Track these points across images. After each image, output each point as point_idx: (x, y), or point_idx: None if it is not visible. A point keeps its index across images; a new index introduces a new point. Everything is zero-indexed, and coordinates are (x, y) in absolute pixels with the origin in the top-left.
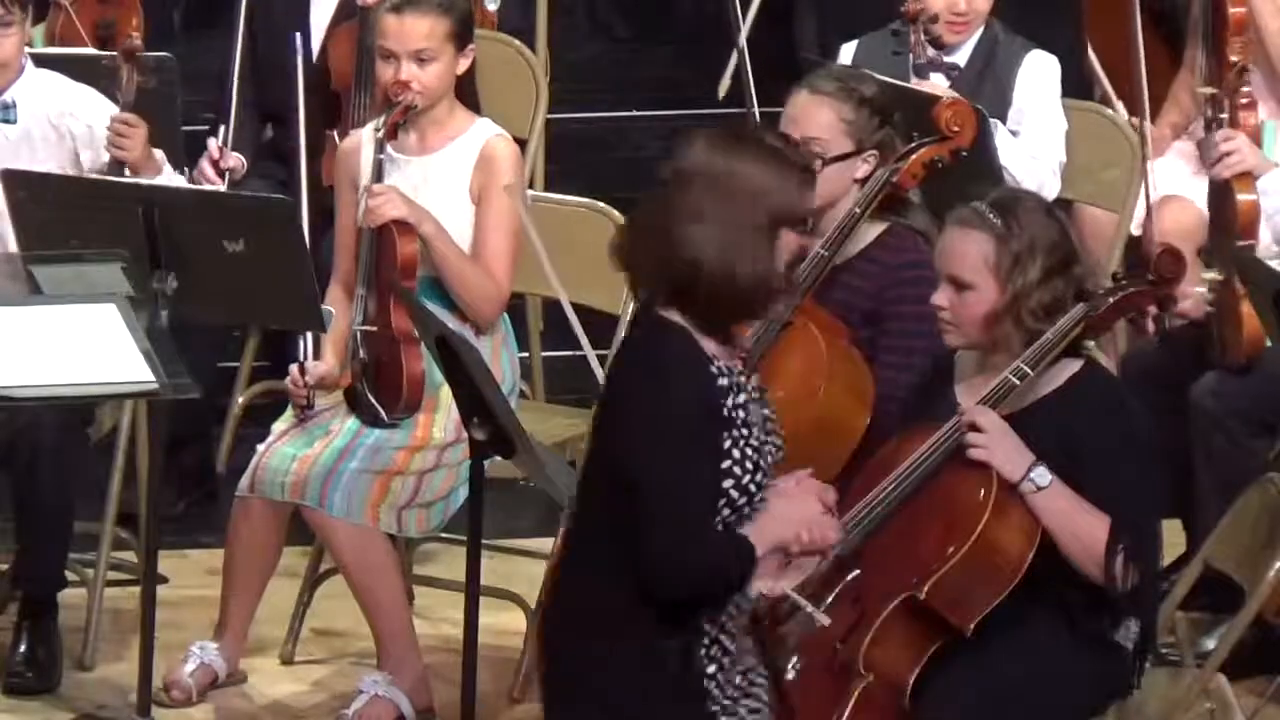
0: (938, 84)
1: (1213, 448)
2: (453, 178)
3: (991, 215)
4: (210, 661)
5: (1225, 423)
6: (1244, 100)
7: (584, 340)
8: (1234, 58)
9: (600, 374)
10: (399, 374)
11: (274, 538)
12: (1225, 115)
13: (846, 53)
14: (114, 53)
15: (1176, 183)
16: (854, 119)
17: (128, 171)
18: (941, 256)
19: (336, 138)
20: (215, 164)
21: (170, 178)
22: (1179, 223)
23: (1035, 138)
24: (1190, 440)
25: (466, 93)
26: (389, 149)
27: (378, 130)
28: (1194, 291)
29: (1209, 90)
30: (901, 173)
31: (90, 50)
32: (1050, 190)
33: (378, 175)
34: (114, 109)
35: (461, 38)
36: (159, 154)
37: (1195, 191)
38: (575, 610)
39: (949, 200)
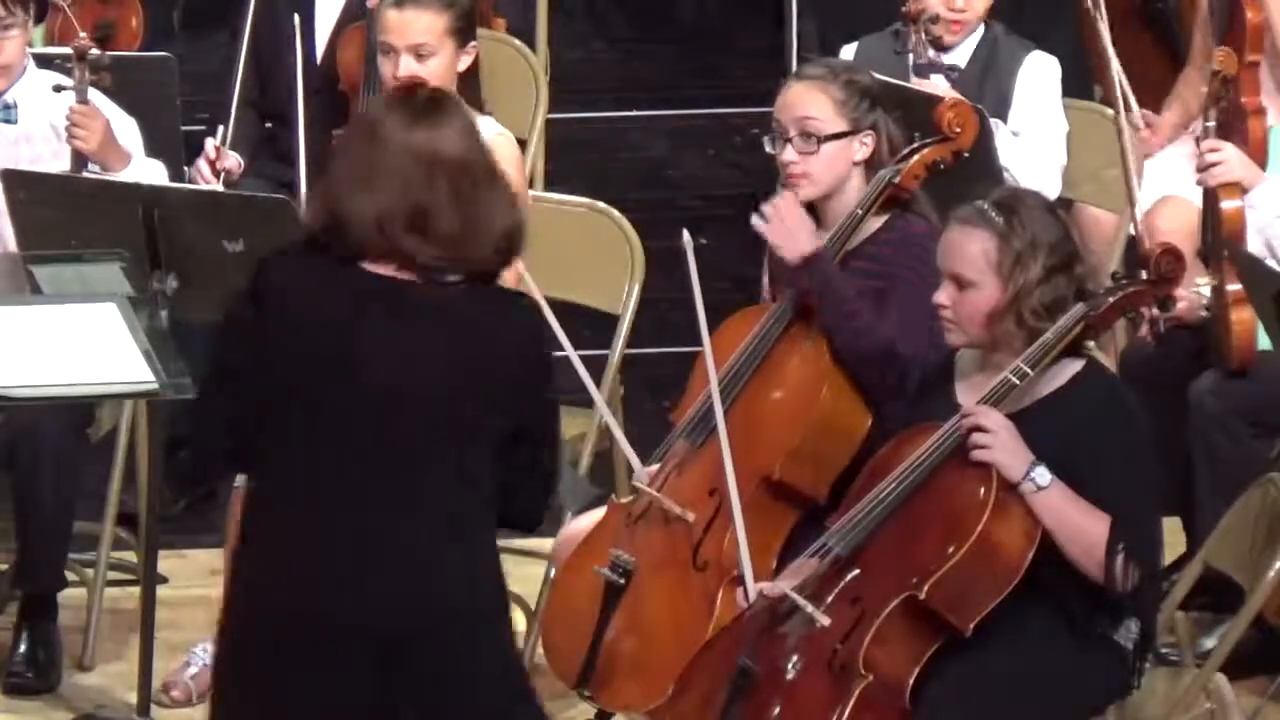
0: (938, 85)
1: (1213, 447)
2: None
3: (993, 214)
4: (207, 663)
5: (1226, 422)
6: (1253, 109)
7: (564, 340)
8: (1216, 67)
9: (585, 374)
10: None
11: None
12: (1212, 124)
13: (846, 54)
14: (68, 50)
15: (1177, 182)
16: (844, 98)
17: (94, 167)
18: (943, 254)
19: None
20: (212, 164)
21: (147, 170)
22: (1178, 223)
23: (1036, 139)
24: (1190, 440)
25: (470, 91)
26: None
27: None
28: (1189, 294)
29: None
30: (903, 174)
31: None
32: (1051, 191)
33: None
34: (115, 107)
35: (462, 34)
36: (130, 148)
37: (1196, 192)
38: (462, 577)
39: (951, 200)
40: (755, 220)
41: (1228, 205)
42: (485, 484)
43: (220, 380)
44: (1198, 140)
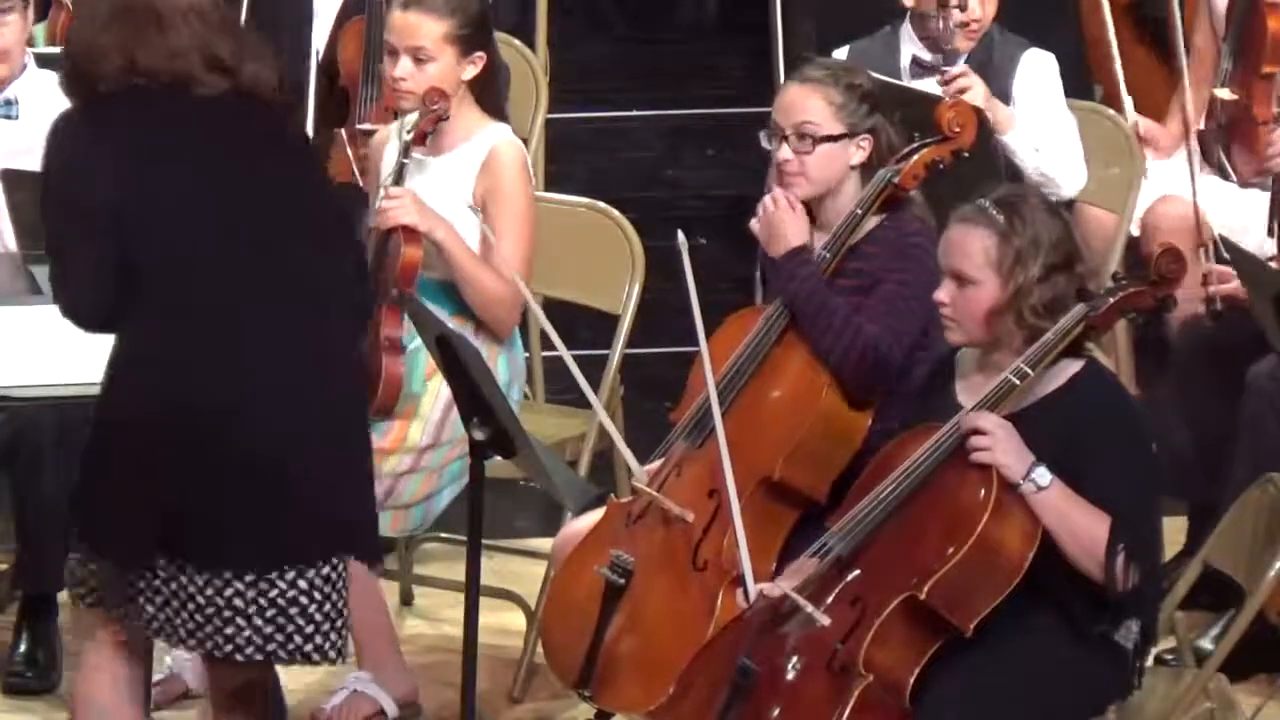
0: (962, 67)
1: (1261, 431)
2: (457, 181)
3: (995, 211)
4: (179, 672)
5: (1278, 405)
6: (1262, 119)
7: (557, 340)
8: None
9: (579, 376)
10: (376, 376)
11: None
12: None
13: (839, 57)
14: None
15: (1176, 181)
16: (843, 102)
17: None
18: (944, 252)
19: (344, 135)
20: None
21: None
22: (1175, 221)
23: (1051, 133)
24: (1240, 420)
25: (488, 99)
26: (415, 154)
27: (408, 132)
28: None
29: (1230, 95)
30: (903, 173)
31: None
32: (1080, 178)
33: (398, 178)
34: None
35: (464, 42)
36: None
37: (1194, 190)
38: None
39: (954, 200)
40: (753, 222)
41: None
42: (336, 280)
43: (80, 224)
44: (1201, 137)
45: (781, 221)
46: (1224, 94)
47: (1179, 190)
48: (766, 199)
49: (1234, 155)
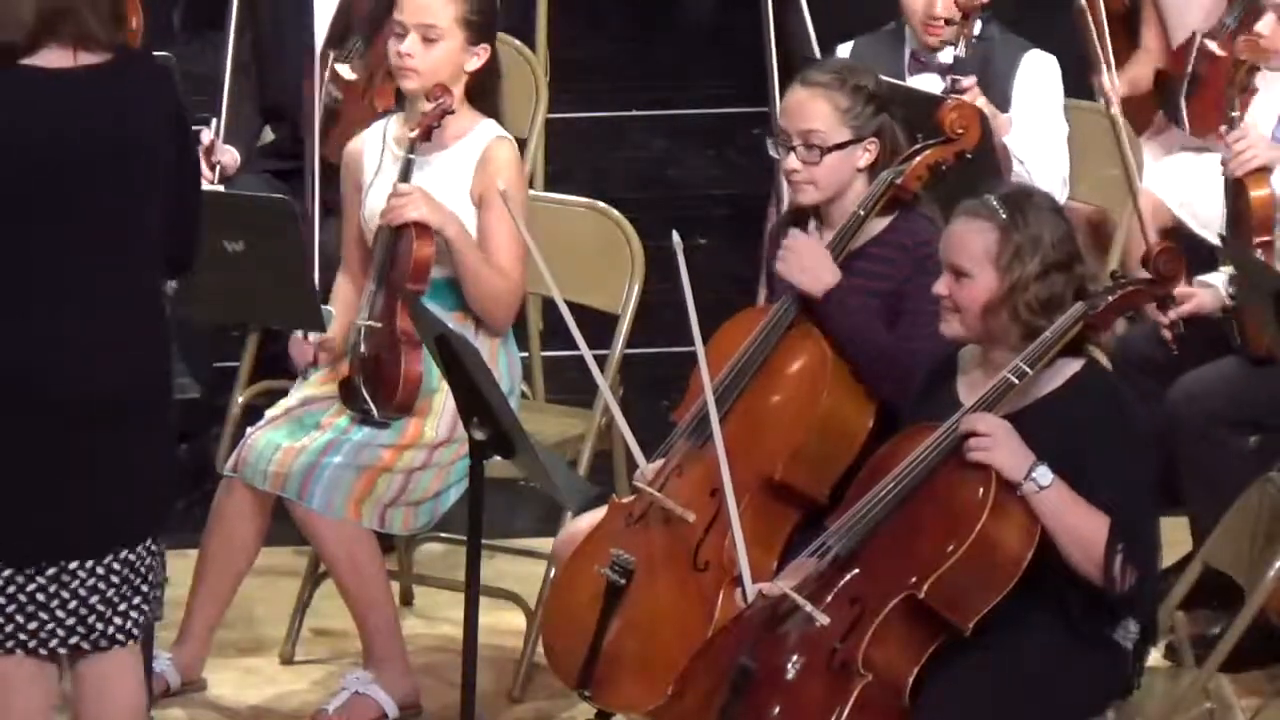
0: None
1: (1190, 444)
2: (454, 178)
3: (998, 207)
4: (162, 671)
5: (1199, 420)
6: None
7: (580, 340)
8: (1242, 56)
9: (598, 375)
10: (397, 373)
11: (254, 528)
12: (1236, 114)
13: (842, 54)
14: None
15: (1146, 175)
16: (849, 106)
17: None
18: (945, 245)
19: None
20: (208, 158)
21: None
22: (1146, 213)
23: (1041, 142)
24: (1173, 438)
25: (482, 96)
26: (419, 149)
27: (412, 131)
28: (1198, 290)
29: (1220, 51)
30: (905, 175)
31: None
32: (1060, 198)
33: (405, 175)
34: None
35: (473, 28)
36: None
37: (1159, 181)
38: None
39: (957, 200)
40: (776, 264)
41: (1256, 194)
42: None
43: None
44: (1161, 80)
45: (810, 263)
46: (1211, 46)
47: (1148, 177)
48: (782, 246)
49: (1193, 106)
